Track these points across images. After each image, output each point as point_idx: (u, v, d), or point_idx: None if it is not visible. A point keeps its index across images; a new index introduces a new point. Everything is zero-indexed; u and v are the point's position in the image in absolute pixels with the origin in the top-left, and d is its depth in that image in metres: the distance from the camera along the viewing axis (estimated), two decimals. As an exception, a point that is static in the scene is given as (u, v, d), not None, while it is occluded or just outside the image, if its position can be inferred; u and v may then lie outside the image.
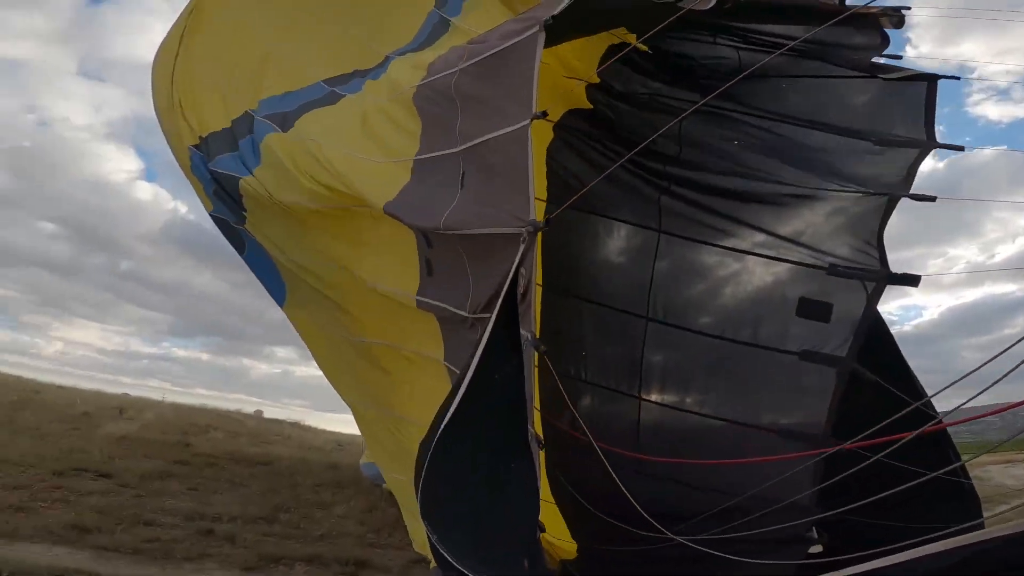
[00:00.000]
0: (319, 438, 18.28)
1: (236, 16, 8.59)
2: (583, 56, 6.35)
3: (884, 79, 5.62)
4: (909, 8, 5.62)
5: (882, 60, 5.84)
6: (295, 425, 20.71)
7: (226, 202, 7.48)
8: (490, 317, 3.55)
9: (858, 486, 3.86)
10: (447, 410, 3.14)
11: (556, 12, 4.15)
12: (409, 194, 5.17)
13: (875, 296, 5.43)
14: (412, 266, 5.46)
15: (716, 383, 6.30)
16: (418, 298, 5.35)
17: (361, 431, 9.04)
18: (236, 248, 8.31)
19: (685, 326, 6.30)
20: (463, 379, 3.23)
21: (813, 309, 5.72)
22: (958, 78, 5.47)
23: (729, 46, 6.07)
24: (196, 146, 7.65)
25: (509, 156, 4.18)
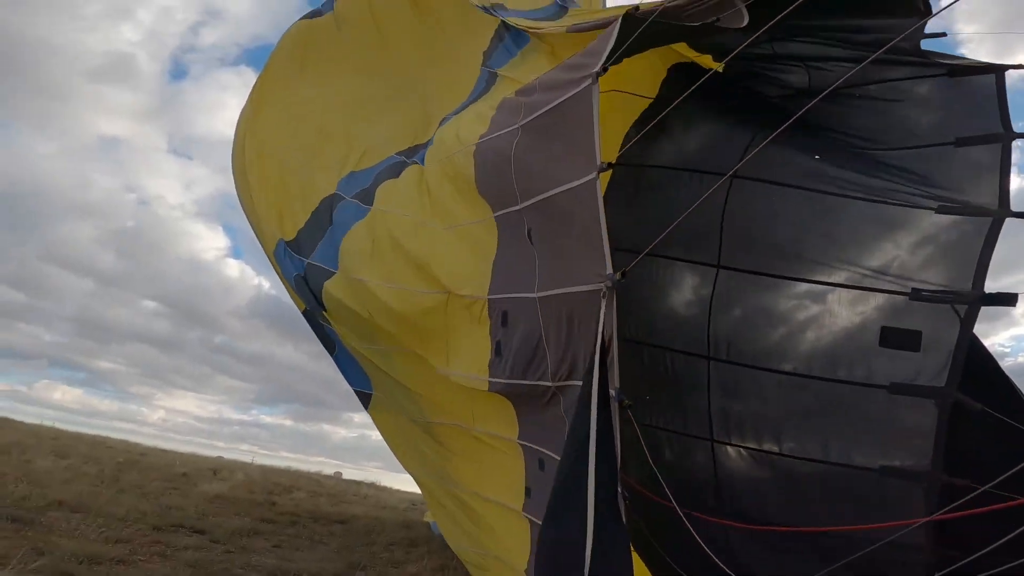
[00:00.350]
0: (393, 498, 18.49)
1: (295, 99, 8.96)
2: (646, 71, 6.08)
3: (951, 66, 5.07)
4: None
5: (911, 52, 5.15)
6: (371, 485, 21.30)
7: (304, 293, 7.81)
8: (587, 378, 3.53)
9: (979, 530, 3.42)
10: (585, 481, 3.14)
11: (605, 61, 4.13)
12: (504, 267, 5.25)
13: (969, 320, 4.91)
14: (484, 350, 5.50)
15: (795, 423, 5.81)
16: (490, 380, 5.37)
17: (427, 502, 9.00)
18: (327, 348, 8.61)
19: (751, 364, 5.92)
20: (588, 445, 3.22)
21: (899, 338, 5.25)
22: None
23: (793, 56, 5.63)
24: (288, 242, 7.92)
25: (578, 210, 4.13)
